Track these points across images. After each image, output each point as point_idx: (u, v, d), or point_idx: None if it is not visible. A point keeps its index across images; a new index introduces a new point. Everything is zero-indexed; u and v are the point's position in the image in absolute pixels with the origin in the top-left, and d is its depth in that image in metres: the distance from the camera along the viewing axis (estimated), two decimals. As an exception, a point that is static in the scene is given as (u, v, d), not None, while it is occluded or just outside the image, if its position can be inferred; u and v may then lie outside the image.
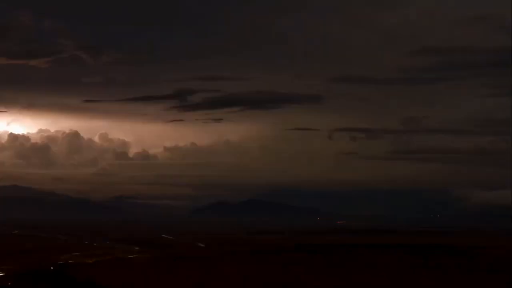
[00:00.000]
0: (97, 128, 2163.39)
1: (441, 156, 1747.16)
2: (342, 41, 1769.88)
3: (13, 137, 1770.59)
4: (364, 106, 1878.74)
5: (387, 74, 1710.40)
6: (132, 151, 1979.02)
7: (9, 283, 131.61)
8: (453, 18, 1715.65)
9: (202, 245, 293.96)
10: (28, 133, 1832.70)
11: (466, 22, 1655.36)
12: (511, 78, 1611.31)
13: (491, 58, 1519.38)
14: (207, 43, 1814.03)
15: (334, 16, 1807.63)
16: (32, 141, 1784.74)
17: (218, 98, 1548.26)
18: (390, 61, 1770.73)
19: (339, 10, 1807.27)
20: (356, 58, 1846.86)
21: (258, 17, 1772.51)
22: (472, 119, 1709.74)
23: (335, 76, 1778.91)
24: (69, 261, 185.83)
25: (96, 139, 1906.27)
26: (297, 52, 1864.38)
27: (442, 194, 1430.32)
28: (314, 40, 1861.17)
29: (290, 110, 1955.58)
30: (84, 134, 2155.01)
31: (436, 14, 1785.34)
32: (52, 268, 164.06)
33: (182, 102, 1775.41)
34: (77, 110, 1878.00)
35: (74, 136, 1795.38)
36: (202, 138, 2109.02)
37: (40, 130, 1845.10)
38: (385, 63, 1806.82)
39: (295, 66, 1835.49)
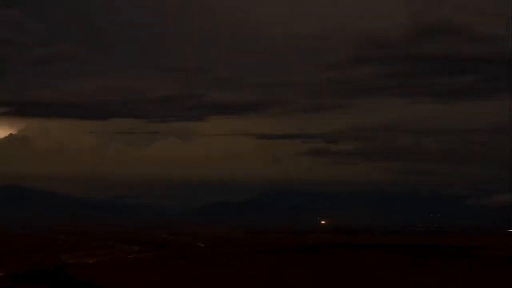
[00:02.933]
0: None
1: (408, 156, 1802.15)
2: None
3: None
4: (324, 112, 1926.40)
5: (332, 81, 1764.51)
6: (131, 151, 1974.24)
7: (10, 283, 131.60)
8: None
9: (202, 245, 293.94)
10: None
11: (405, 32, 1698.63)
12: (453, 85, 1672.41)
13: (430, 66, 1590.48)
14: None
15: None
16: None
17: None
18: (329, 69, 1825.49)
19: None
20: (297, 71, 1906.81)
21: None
22: (423, 123, 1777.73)
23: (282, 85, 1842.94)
24: (69, 261, 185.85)
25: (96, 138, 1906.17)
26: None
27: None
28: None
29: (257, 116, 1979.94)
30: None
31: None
32: (52, 268, 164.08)
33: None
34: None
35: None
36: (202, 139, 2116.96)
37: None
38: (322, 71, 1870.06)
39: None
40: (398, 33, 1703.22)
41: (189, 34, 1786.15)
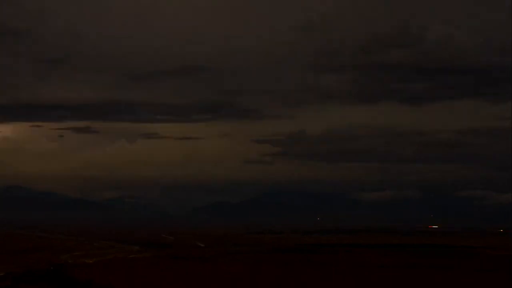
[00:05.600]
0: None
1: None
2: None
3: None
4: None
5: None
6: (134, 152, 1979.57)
7: (9, 283, 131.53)
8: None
9: (202, 245, 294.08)
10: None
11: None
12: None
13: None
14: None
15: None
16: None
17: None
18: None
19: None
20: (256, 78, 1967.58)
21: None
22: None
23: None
24: (69, 261, 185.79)
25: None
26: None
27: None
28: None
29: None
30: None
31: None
32: (52, 268, 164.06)
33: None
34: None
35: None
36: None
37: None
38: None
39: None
40: (356, 43, 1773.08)
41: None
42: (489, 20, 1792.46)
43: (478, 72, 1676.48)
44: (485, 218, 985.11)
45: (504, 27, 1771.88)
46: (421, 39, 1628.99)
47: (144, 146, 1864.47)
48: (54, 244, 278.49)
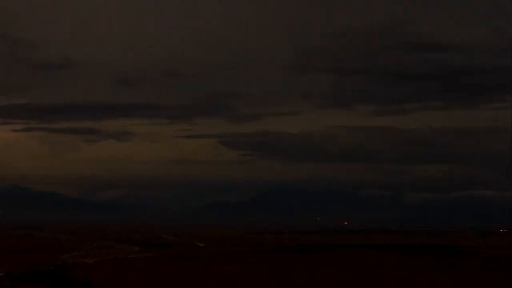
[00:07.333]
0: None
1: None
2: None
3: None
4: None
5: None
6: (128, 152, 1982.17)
7: (9, 283, 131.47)
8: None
9: (202, 245, 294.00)
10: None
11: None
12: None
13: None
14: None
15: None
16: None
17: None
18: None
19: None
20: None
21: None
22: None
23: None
24: (69, 261, 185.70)
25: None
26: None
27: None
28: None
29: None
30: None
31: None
32: (52, 268, 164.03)
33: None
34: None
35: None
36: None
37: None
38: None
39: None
40: (337, 45, 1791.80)
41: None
42: (470, 24, 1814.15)
43: (458, 75, 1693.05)
44: (486, 218, 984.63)
45: (484, 30, 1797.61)
46: (401, 44, 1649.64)
47: (142, 146, 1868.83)
48: (54, 244, 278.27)
